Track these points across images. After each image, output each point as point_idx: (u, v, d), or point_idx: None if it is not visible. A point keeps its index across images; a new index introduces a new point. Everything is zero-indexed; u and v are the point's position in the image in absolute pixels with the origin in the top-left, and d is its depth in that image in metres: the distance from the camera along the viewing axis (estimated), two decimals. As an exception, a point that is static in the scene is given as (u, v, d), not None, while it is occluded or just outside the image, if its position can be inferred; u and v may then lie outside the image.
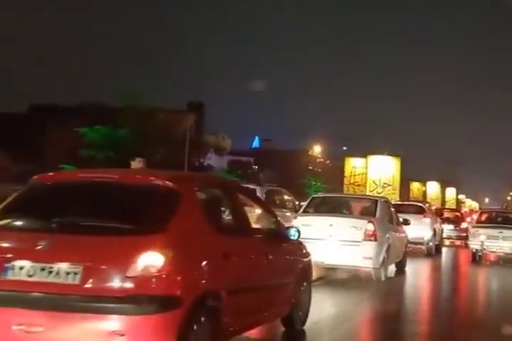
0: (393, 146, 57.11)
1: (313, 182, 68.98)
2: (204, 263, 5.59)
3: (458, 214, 34.92)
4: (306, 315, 8.06)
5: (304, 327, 8.00)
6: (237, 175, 55.44)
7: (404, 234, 16.46)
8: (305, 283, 8.03)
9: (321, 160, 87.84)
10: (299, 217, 14.16)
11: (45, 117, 56.30)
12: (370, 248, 13.12)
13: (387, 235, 14.01)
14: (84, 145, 37.01)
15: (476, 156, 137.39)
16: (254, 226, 7.20)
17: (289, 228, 7.72)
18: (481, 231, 20.62)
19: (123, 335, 4.97)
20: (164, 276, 5.11)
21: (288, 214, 17.11)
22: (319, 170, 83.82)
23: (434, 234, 23.19)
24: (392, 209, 15.95)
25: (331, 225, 13.42)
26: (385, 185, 35.07)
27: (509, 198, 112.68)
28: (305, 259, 8.14)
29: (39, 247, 5.20)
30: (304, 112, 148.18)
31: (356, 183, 37.57)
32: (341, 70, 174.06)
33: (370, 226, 13.26)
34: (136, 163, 10.22)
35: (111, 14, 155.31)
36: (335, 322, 9.31)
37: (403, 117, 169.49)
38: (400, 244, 15.65)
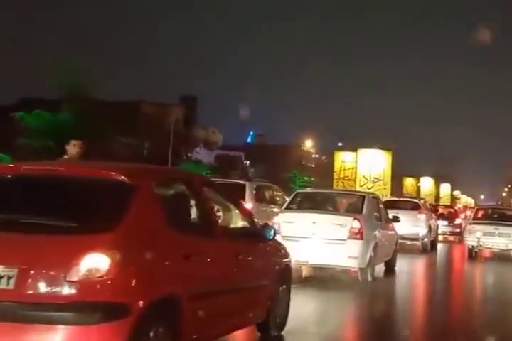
0: (387, 141, 56.88)
1: (297, 177, 67.89)
2: (160, 265, 5.09)
3: (452, 210, 35.52)
4: (284, 320, 7.58)
5: (282, 333, 7.51)
6: (225, 170, 54.77)
7: (393, 232, 15.91)
8: (283, 286, 7.54)
9: (317, 155, 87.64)
10: (281, 214, 13.64)
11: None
12: (355, 247, 12.53)
13: (375, 233, 13.44)
14: (22, 132, 34.59)
15: (472, 153, 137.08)
16: (225, 224, 6.67)
17: (265, 227, 7.16)
18: (478, 227, 20.81)
19: None
20: (110, 281, 4.60)
21: (276, 210, 16.68)
22: (313, 165, 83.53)
23: (430, 231, 23.44)
24: (381, 206, 15.38)
25: (314, 222, 12.84)
26: (376, 180, 34.41)
27: (504, 194, 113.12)
28: (283, 260, 7.65)
29: None
30: (297, 107, 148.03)
31: (346, 178, 36.66)
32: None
33: (356, 224, 12.68)
34: (71, 147, 9.57)
35: (111, 14, 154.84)
36: (314, 327, 8.78)
37: (399, 113, 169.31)
38: (389, 243, 15.12)
